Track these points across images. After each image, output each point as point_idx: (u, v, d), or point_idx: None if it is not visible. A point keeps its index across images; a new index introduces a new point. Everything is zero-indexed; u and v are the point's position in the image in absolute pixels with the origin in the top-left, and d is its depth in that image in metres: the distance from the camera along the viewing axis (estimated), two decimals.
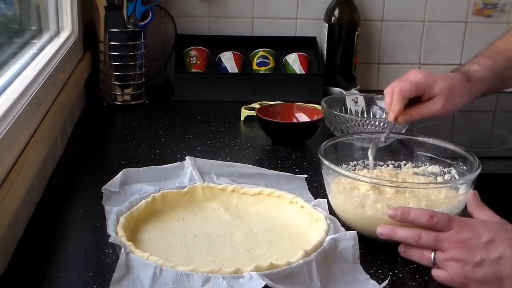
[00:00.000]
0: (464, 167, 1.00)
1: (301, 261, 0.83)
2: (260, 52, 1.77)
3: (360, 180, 0.95)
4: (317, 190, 1.10)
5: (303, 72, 1.75)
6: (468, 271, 0.81)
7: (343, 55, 1.79)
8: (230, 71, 1.73)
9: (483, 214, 0.88)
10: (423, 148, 1.08)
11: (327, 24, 1.77)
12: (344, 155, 1.07)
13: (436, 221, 0.85)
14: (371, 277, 0.85)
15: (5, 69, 1.09)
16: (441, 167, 1.06)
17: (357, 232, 0.90)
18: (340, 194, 0.97)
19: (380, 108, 1.45)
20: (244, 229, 0.97)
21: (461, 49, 1.90)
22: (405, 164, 1.09)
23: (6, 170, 0.90)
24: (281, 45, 1.80)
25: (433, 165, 1.07)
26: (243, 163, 1.20)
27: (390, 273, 0.88)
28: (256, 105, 1.50)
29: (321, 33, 1.80)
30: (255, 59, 1.76)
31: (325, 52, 1.79)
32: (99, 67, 1.65)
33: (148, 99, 1.67)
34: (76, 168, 1.23)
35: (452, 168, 1.04)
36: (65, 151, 1.30)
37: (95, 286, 0.83)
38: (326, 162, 0.97)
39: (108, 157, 1.29)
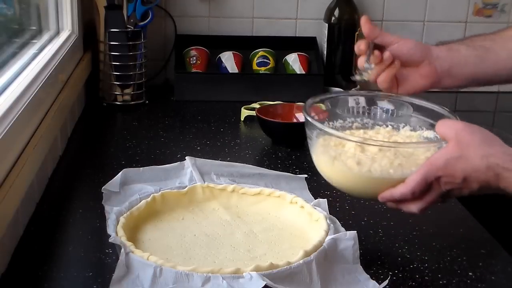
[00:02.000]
0: None
1: (301, 261, 0.83)
2: (260, 52, 1.77)
3: (340, 138, 0.93)
4: (317, 190, 1.10)
5: (303, 72, 1.75)
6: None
7: (343, 55, 1.79)
8: (230, 71, 1.73)
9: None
10: (422, 113, 1.05)
11: (327, 24, 1.77)
12: (337, 112, 1.05)
13: (419, 191, 0.84)
14: (371, 277, 0.85)
15: (5, 69, 1.09)
16: (436, 134, 1.03)
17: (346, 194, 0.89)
18: (320, 148, 0.95)
19: (381, 108, 1.44)
20: (244, 229, 0.97)
21: None
22: (403, 127, 1.08)
23: (6, 170, 0.90)
24: (281, 45, 1.80)
25: (429, 130, 1.03)
26: (243, 163, 1.20)
27: (390, 273, 0.88)
28: (256, 105, 1.50)
29: (321, 33, 1.80)
30: (255, 59, 1.76)
31: (325, 52, 1.79)
32: (99, 67, 1.65)
33: (148, 99, 1.67)
34: (76, 168, 1.23)
35: None
36: (65, 151, 1.30)
37: (95, 286, 0.83)
38: (309, 118, 0.94)
39: (108, 157, 1.29)
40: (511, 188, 0.78)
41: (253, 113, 1.43)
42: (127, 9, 1.60)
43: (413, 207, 0.86)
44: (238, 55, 1.76)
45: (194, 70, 1.73)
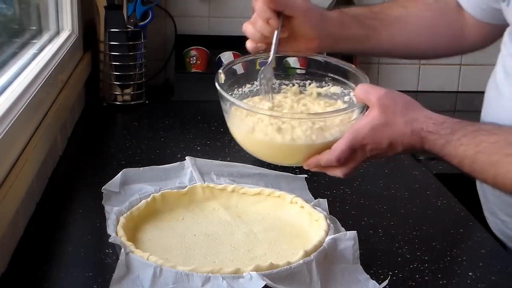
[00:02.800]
0: None
1: (301, 261, 0.83)
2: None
3: (252, 111, 0.92)
4: (317, 190, 1.10)
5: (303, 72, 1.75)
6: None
7: (343, 55, 1.78)
8: None
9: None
10: (329, 69, 1.05)
11: None
12: (247, 75, 1.04)
13: (344, 158, 0.85)
14: (371, 277, 0.85)
15: (5, 69, 1.09)
16: (342, 89, 1.03)
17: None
18: (235, 119, 0.95)
19: None
20: (244, 229, 0.97)
21: None
22: (309, 84, 1.06)
23: (6, 170, 0.90)
24: None
25: (335, 86, 1.04)
26: (243, 163, 1.20)
27: (390, 273, 0.88)
28: None
29: None
30: None
31: (325, 52, 1.79)
32: (99, 67, 1.65)
33: (148, 99, 1.67)
34: (76, 168, 1.23)
35: (351, 91, 1.01)
36: (65, 151, 1.30)
37: (95, 286, 0.83)
38: (221, 91, 0.94)
39: (108, 157, 1.29)
40: (436, 149, 0.82)
41: None
42: (127, 9, 1.60)
43: (338, 172, 0.88)
44: (238, 55, 1.76)
45: (194, 70, 1.73)
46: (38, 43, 1.33)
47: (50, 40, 1.41)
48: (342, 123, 0.91)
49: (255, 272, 0.79)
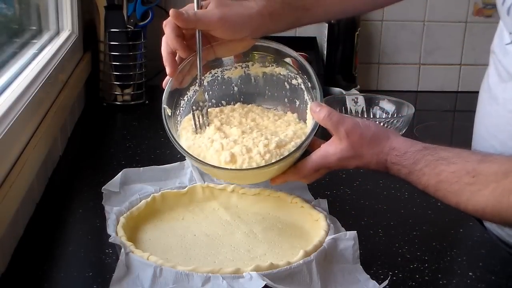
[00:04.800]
0: (309, 83, 0.98)
1: (301, 261, 0.83)
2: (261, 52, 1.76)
3: (200, 162, 0.91)
4: (317, 190, 1.10)
5: None
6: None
7: (343, 55, 1.79)
8: None
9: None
10: (269, 52, 1.05)
11: (327, 24, 1.77)
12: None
13: (310, 175, 0.92)
14: (371, 277, 0.85)
15: (5, 69, 1.09)
16: (288, 71, 1.02)
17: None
18: (187, 142, 0.95)
19: (381, 108, 1.45)
20: (244, 229, 0.97)
21: (461, 49, 1.90)
22: (253, 64, 1.06)
23: (6, 170, 0.90)
24: None
25: (280, 67, 1.03)
26: None
27: (390, 273, 0.88)
28: None
29: (321, 33, 1.80)
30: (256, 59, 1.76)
31: (325, 52, 1.79)
32: (99, 67, 1.65)
33: (148, 99, 1.67)
34: (76, 168, 1.23)
35: (298, 76, 1.01)
36: (65, 151, 1.30)
37: (95, 286, 0.83)
38: (172, 139, 0.95)
39: (108, 157, 1.29)
40: (401, 176, 0.88)
41: None
42: (127, 9, 1.60)
43: (303, 181, 0.96)
44: (238, 55, 1.76)
45: None
46: (38, 43, 1.33)
47: (50, 40, 1.41)
48: (296, 136, 0.94)
49: (255, 272, 0.79)
